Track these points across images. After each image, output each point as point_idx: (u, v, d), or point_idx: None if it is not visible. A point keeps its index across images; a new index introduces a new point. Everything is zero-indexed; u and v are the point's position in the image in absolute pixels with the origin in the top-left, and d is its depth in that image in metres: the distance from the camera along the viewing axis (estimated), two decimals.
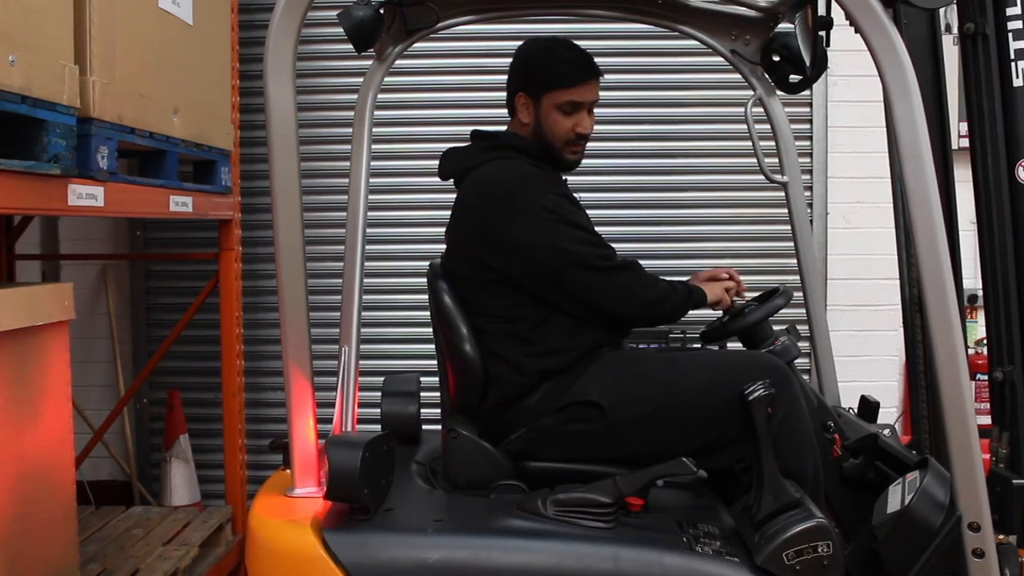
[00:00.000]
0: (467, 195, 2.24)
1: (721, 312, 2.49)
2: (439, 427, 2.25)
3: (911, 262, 2.21)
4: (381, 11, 2.04)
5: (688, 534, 1.87)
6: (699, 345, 2.55)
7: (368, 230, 2.13)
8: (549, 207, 2.12)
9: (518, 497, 1.97)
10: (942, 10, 2.17)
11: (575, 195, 2.38)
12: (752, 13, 2.44)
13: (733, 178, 4.01)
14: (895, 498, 1.88)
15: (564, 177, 2.37)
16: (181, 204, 2.99)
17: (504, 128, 2.36)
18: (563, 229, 2.12)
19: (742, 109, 2.36)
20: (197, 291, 3.70)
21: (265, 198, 3.79)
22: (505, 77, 4.18)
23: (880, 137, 2.32)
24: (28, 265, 3.99)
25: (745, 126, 2.33)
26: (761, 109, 2.49)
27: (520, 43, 2.35)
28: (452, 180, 2.34)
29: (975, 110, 1.94)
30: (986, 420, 1.92)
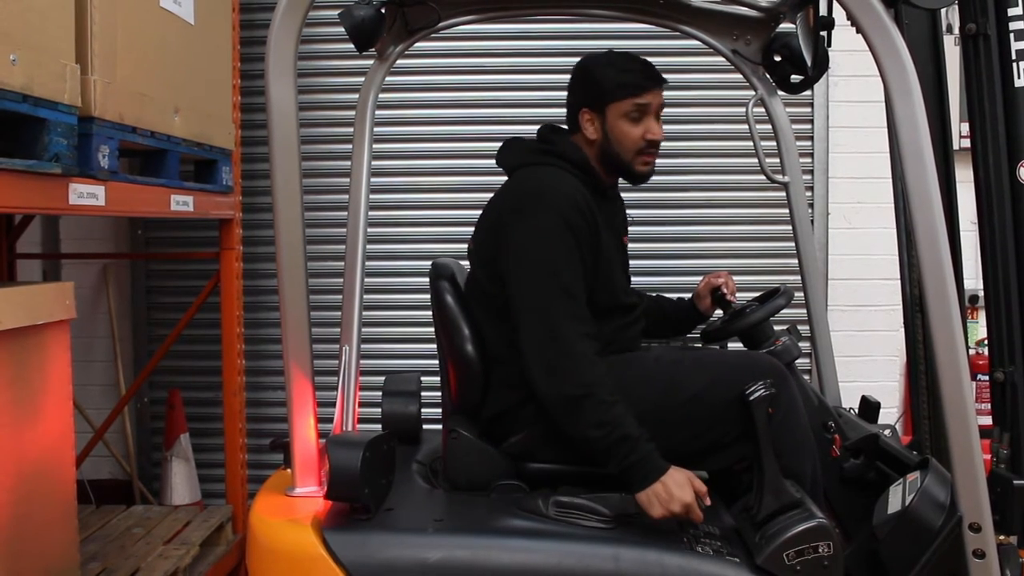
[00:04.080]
0: (503, 191, 2.22)
1: (722, 312, 2.49)
2: (440, 427, 2.25)
3: (912, 262, 2.21)
4: (382, 11, 2.04)
5: (688, 534, 1.87)
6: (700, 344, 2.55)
7: (369, 230, 2.13)
8: (550, 235, 2.03)
9: (518, 497, 1.98)
10: (943, 10, 2.18)
11: (629, 215, 2.35)
12: (753, 13, 2.44)
13: (734, 178, 4.01)
14: (896, 498, 1.88)
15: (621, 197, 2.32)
16: (182, 203, 3.00)
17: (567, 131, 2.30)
18: (547, 265, 2.02)
19: (743, 109, 2.36)
20: (198, 290, 3.70)
21: (266, 197, 3.79)
22: (506, 77, 4.18)
23: (881, 137, 2.32)
24: (29, 264, 3.99)
25: (746, 126, 2.33)
26: (762, 109, 2.49)
27: (578, 59, 2.29)
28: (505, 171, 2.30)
29: (976, 110, 1.94)
30: (987, 420, 1.91)
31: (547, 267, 2.03)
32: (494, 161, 2.30)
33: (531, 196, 2.12)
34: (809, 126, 4.03)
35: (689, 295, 2.56)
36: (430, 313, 2.31)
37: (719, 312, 2.53)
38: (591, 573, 1.77)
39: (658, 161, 4.13)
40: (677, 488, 1.87)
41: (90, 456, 3.80)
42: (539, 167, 2.18)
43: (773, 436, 1.90)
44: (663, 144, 4.20)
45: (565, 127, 2.30)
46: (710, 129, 4.01)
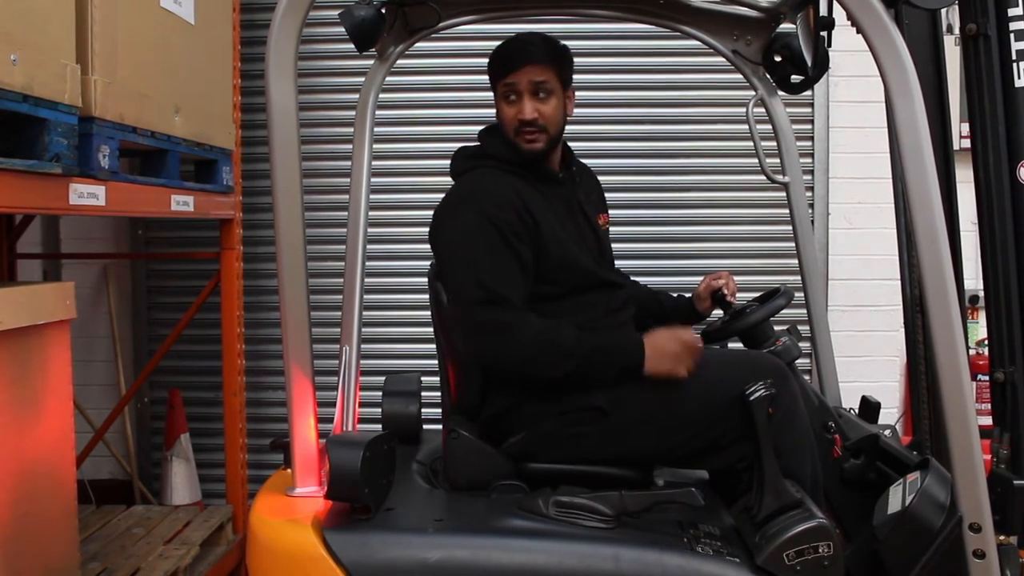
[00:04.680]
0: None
1: (722, 312, 2.49)
2: (440, 427, 2.25)
3: (912, 262, 2.21)
4: (383, 11, 2.04)
5: (689, 534, 1.87)
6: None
7: (369, 230, 2.13)
8: (469, 231, 2.09)
9: (518, 497, 1.98)
10: (944, 11, 2.17)
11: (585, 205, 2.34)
12: (754, 13, 2.43)
13: (734, 178, 4.01)
14: (896, 499, 1.88)
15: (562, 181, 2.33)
16: (182, 203, 3.00)
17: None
18: (466, 257, 2.08)
19: (743, 109, 2.35)
20: (198, 290, 3.70)
21: (266, 197, 3.79)
22: None
23: (881, 137, 2.32)
24: (29, 264, 3.99)
25: (746, 126, 2.33)
26: (763, 109, 2.49)
27: None
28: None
29: (976, 111, 1.94)
30: (987, 421, 1.91)
31: (468, 263, 2.07)
32: None
33: (454, 201, 2.19)
34: (809, 126, 4.03)
35: (689, 295, 2.56)
36: (430, 313, 2.31)
37: (719, 312, 2.52)
38: (591, 573, 1.77)
39: (658, 161, 4.16)
40: (664, 340, 2.03)
41: (90, 456, 3.80)
42: (471, 172, 2.24)
43: (773, 436, 1.90)
44: (666, 143, 4.23)
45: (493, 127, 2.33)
46: (710, 129, 4.01)
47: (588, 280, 2.20)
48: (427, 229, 4.05)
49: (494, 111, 4.25)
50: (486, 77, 3.99)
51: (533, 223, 2.12)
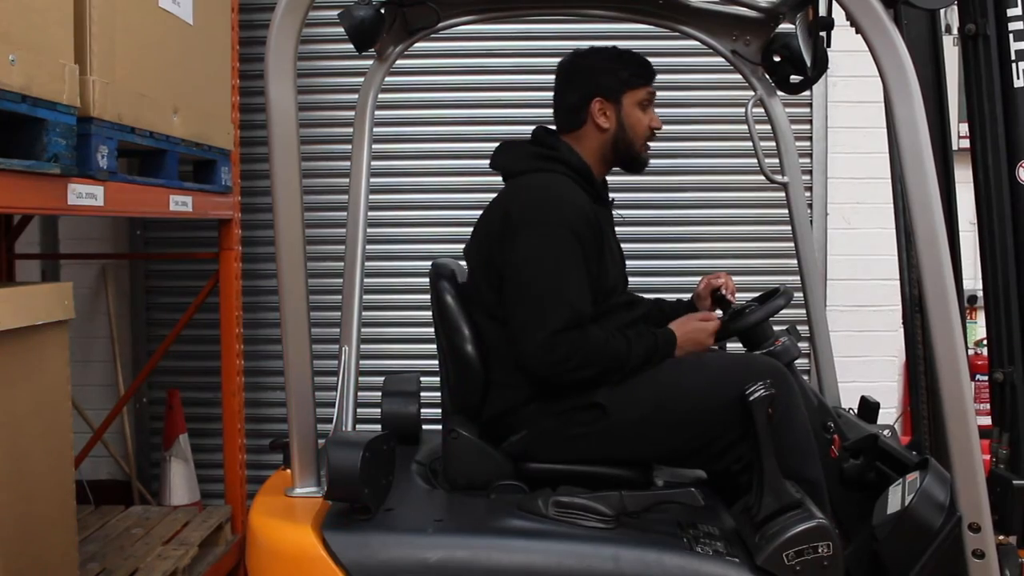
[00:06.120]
0: (508, 197, 2.21)
1: (721, 312, 2.49)
2: (439, 427, 2.25)
3: (911, 263, 2.21)
4: (382, 11, 2.04)
5: (688, 534, 1.87)
6: None
7: (369, 230, 2.13)
8: (556, 245, 2.06)
9: (518, 497, 1.97)
10: (943, 11, 2.17)
11: (619, 215, 2.37)
12: (753, 14, 2.44)
13: (733, 178, 4.01)
14: (895, 499, 1.88)
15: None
16: (181, 204, 3.00)
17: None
18: (555, 274, 2.06)
19: (742, 109, 2.36)
20: (197, 291, 3.70)
21: (265, 198, 3.79)
22: (506, 77, 4.15)
23: (880, 138, 2.32)
24: (28, 264, 3.99)
25: (746, 126, 2.33)
26: (761, 109, 2.49)
27: (567, 55, 2.31)
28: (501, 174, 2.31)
29: (976, 111, 1.95)
30: (986, 421, 1.92)
31: (558, 281, 2.05)
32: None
33: (542, 205, 2.12)
34: (808, 126, 4.04)
35: (689, 296, 2.56)
36: (430, 313, 2.31)
37: (719, 312, 2.52)
38: (591, 573, 1.77)
39: (658, 161, 4.15)
40: (692, 330, 2.17)
41: (89, 456, 3.80)
42: (545, 174, 2.19)
43: (773, 436, 1.90)
44: (665, 143, 4.22)
45: (554, 128, 2.31)
46: (710, 129, 4.01)
47: (618, 299, 2.23)
48: (427, 229, 4.09)
49: (492, 111, 4.25)
50: (485, 77, 4.04)
51: (601, 244, 2.14)
